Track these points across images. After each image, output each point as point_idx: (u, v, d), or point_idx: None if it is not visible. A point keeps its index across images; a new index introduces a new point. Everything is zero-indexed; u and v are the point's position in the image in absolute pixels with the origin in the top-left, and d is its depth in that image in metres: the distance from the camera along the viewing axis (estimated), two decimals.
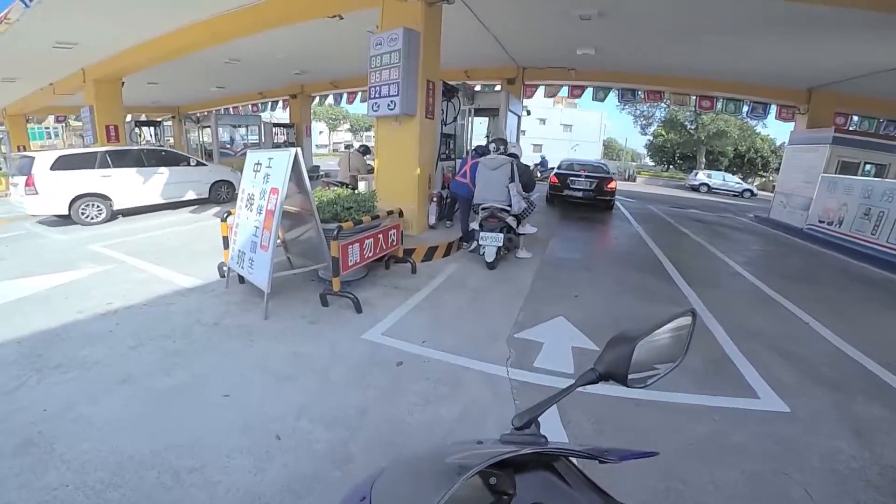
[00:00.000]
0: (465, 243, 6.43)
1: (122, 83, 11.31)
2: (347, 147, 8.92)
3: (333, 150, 44.80)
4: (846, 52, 8.04)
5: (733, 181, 26.25)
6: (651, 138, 39.44)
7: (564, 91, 13.58)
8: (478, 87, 9.55)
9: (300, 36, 8.80)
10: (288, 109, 18.03)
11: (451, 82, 7.65)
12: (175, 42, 8.50)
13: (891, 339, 4.27)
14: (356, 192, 4.84)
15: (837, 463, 2.41)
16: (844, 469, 2.37)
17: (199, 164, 10.07)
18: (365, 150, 8.58)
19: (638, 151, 47.26)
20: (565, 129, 37.92)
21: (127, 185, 8.45)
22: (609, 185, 11.35)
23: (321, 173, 15.57)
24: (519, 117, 11.04)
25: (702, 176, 26.63)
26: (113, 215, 8.28)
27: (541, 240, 7.31)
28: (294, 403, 2.69)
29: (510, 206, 5.48)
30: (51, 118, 25.06)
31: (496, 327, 3.92)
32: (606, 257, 6.85)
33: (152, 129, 19.54)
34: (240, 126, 16.58)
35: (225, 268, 4.66)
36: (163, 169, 9.13)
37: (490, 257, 5.45)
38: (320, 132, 51.18)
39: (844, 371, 3.56)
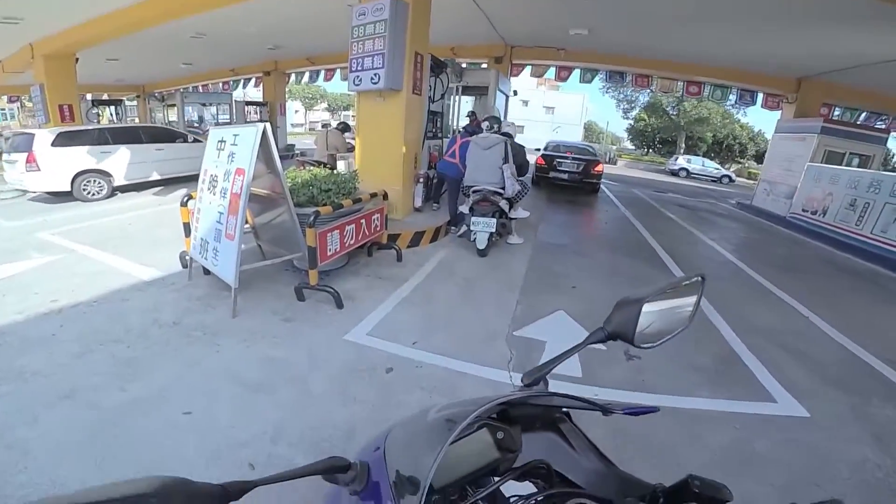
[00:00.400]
0: (453, 227, 6.08)
1: (77, 59, 10.34)
2: (325, 125, 8.36)
3: (310, 129, 43.29)
4: (839, 43, 7.92)
5: (712, 167, 26.53)
6: (633, 122, 39.55)
7: (552, 73, 13.17)
8: (464, 65, 9.02)
9: (273, 7, 8.11)
10: (261, 87, 17.09)
11: (439, 58, 7.17)
12: (131, 16, 7.71)
13: (888, 334, 4.24)
14: (335, 172, 4.38)
15: (865, 472, 2.31)
16: (872, 479, 2.27)
17: (195, 140, 9.89)
18: (345, 128, 8.02)
19: (618, 135, 47.43)
20: (547, 111, 37.60)
21: (126, 162, 8.46)
22: (596, 168, 11.12)
23: (296, 152, 14.90)
24: (507, 97, 10.59)
25: (682, 161, 26.83)
26: (113, 192, 8.30)
27: (531, 224, 7.02)
28: (269, 422, 2.32)
29: (503, 188, 5.13)
30: (3, 98, 23.18)
31: (493, 324, 3.61)
32: (599, 243, 6.61)
33: (113, 108, 18.26)
34: (209, 104, 15.62)
35: (187, 258, 4.18)
36: (161, 145, 9.16)
37: (482, 244, 5.12)
38: (296, 111, 49.31)
39: (853, 370, 3.49)
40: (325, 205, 3.88)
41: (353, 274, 4.48)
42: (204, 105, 15.64)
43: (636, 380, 3.00)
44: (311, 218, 3.52)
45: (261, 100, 17.05)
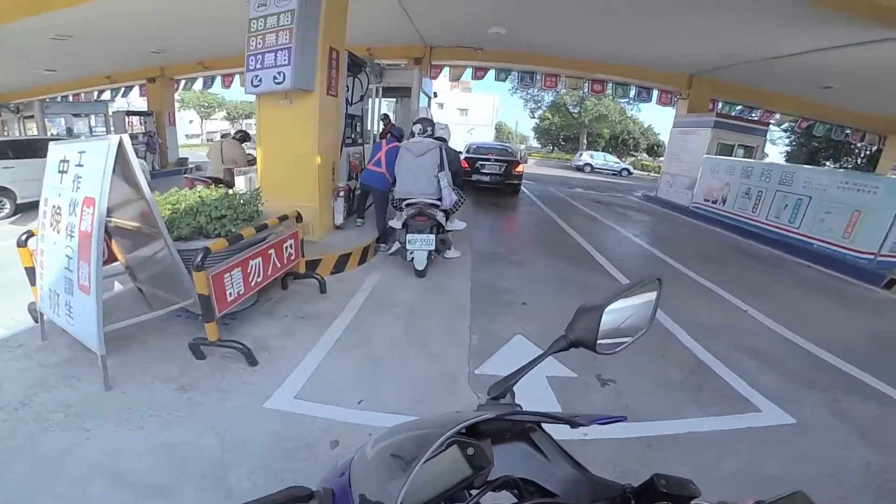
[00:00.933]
0: (383, 245, 5.42)
1: None
2: (224, 135, 7.16)
3: (208, 140, 39.26)
4: (727, 40, 8.52)
5: (613, 161, 28.60)
6: (539, 121, 41.50)
7: (468, 74, 13.02)
8: (384, 64, 8.32)
9: (152, 3, 6.85)
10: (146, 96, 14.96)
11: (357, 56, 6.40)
12: None
13: (816, 321, 4.46)
14: (231, 192, 3.50)
15: (873, 476, 2.30)
16: (883, 482, 2.26)
17: None
18: (244, 137, 6.91)
19: (524, 134, 49.60)
20: (462, 112, 37.98)
21: (32, 178, 7.18)
22: (517, 169, 11.12)
23: (190, 166, 13.19)
24: (430, 99, 10.05)
25: (586, 157, 28.58)
26: (17, 209, 7.43)
27: (464, 233, 6.60)
28: None
29: (440, 199, 4.60)
30: None
31: (450, 362, 3.06)
32: (534, 249, 6.35)
33: None
34: (82, 115, 13.22)
35: (39, 311, 3.08)
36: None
37: (421, 264, 4.54)
38: (191, 121, 44.37)
39: (807, 364, 3.56)
40: (218, 236, 3.04)
41: (267, 315, 3.64)
42: (77, 116, 13.22)
43: (620, 406, 2.71)
44: (199, 257, 2.66)
45: (145, 109, 14.87)
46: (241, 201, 3.35)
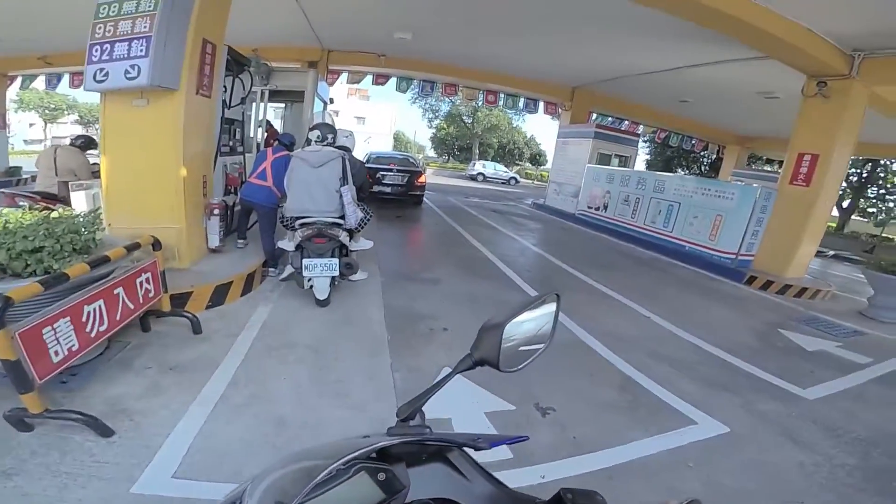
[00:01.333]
0: (272, 270, 4.67)
1: None
2: (77, 141, 5.53)
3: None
4: (609, 56, 9.31)
5: (502, 170, 30.21)
6: (435, 131, 42.25)
7: (368, 80, 12.51)
8: (272, 65, 7.31)
9: None
10: None
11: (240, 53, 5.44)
12: None
13: (706, 322, 4.89)
14: (56, 214, 2.58)
15: (815, 475, 2.48)
16: (823, 479, 2.45)
17: None
18: (87, 143, 5.43)
19: (422, 144, 50.19)
20: (359, 121, 36.93)
21: None
22: (419, 180, 10.91)
23: (25, 177, 10.67)
24: (325, 104, 9.19)
25: (479, 166, 29.78)
26: None
27: (369, 250, 6.08)
28: None
29: (342, 217, 4.05)
30: None
31: (375, 411, 2.57)
32: (446, 265, 6.08)
33: None
34: None
35: None
36: None
37: (323, 293, 3.94)
38: (31, 124, 36.49)
39: (715, 367, 3.79)
40: (33, 275, 2.20)
41: (123, 367, 2.75)
42: None
43: (567, 440, 2.53)
44: None
45: None
46: (67, 228, 2.47)
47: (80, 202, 3.73)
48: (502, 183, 27.79)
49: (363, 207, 4.33)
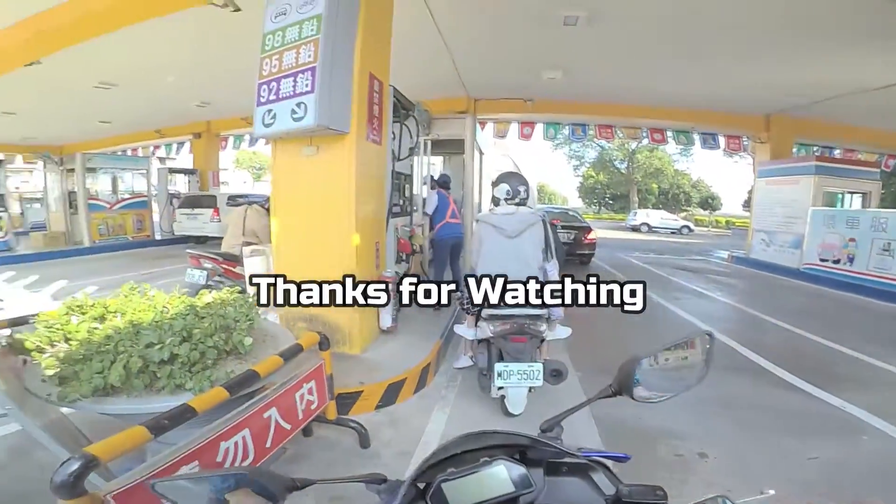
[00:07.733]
0: (456, 366, 3.67)
1: None
2: (264, 204, 5.56)
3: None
4: (812, 74, 7.36)
5: (671, 219, 26.54)
6: (582, 180, 40.30)
7: (513, 134, 12.10)
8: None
9: (188, 47, 6.33)
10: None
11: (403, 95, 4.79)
12: None
13: None
14: (216, 297, 2.11)
15: None
16: None
17: None
18: None
19: (565, 195, 48.43)
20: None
21: None
22: (588, 237, 9.74)
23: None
24: (482, 156, 8.52)
25: (641, 215, 26.68)
26: None
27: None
28: None
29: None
30: None
31: None
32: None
33: None
34: (122, 170, 13.02)
35: None
36: None
37: (518, 407, 2.85)
38: (244, 182, 40.31)
39: None
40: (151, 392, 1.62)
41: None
42: (124, 170, 13.05)
43: None
44: (70, 473, 1.10)
45: (189, 167, 14.41)
46: (215, 324, 1.87)
47: (253, 266, 3.49)
48: (672, 233, 24.36)
49: None
